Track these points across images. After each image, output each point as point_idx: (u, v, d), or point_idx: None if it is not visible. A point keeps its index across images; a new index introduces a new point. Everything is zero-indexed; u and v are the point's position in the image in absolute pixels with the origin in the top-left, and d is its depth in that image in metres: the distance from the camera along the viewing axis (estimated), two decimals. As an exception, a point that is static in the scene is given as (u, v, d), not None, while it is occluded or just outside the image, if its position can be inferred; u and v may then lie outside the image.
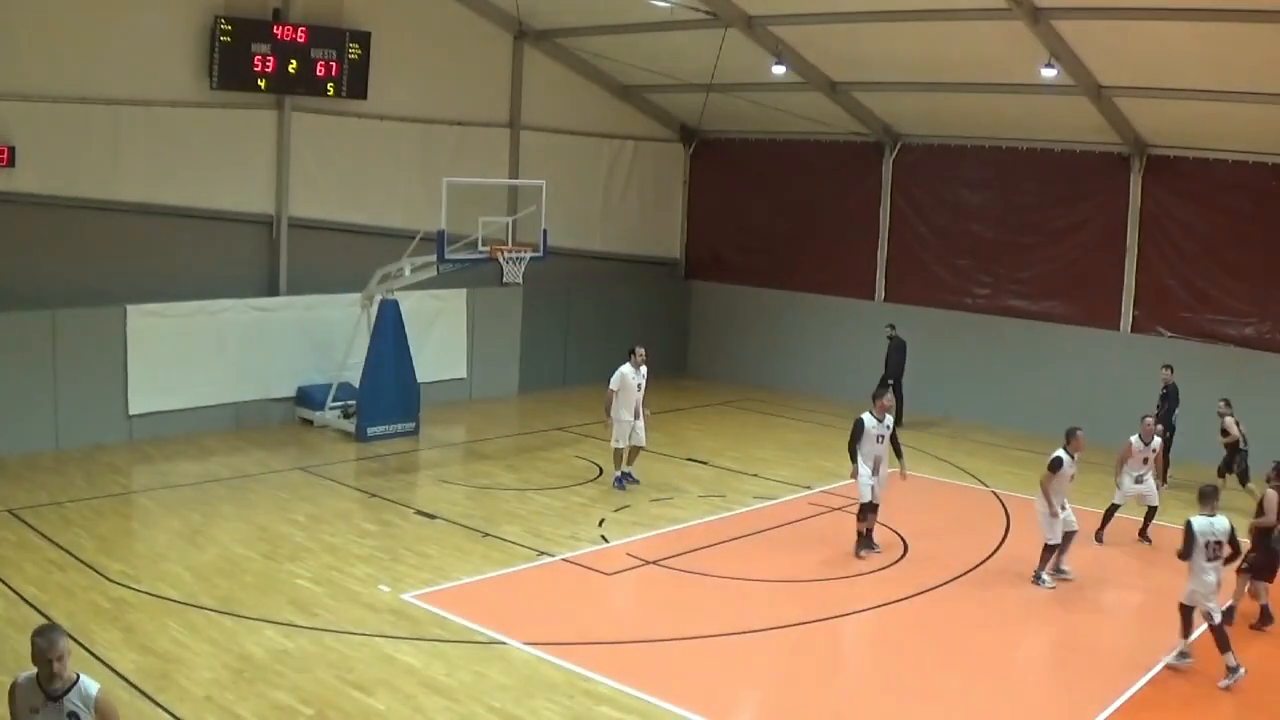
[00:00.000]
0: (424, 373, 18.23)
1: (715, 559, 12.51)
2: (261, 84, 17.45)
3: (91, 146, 16.26)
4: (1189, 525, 9.89)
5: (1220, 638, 9.73)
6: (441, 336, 20.11)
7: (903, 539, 13.45)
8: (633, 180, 23.75)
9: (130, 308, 16.39)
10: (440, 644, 9.84)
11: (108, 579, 10.98)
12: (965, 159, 20.78)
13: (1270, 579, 11.12)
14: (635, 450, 15.32)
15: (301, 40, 17.66)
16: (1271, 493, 11.16)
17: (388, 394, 17.33)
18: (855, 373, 20.13)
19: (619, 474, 15.18)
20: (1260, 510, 11.23)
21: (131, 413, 16.50)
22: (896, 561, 12.77)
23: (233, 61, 17.06)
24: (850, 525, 13.51)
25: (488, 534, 13.02)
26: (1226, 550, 9.90)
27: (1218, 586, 9.83)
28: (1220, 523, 9.88)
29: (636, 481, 15.30)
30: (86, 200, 16.30)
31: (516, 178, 21.00)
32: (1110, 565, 12.79)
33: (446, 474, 15.92)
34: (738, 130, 23.40)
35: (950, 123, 20.30)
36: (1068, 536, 12.15)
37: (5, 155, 15.32)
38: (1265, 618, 11.09)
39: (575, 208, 22.12)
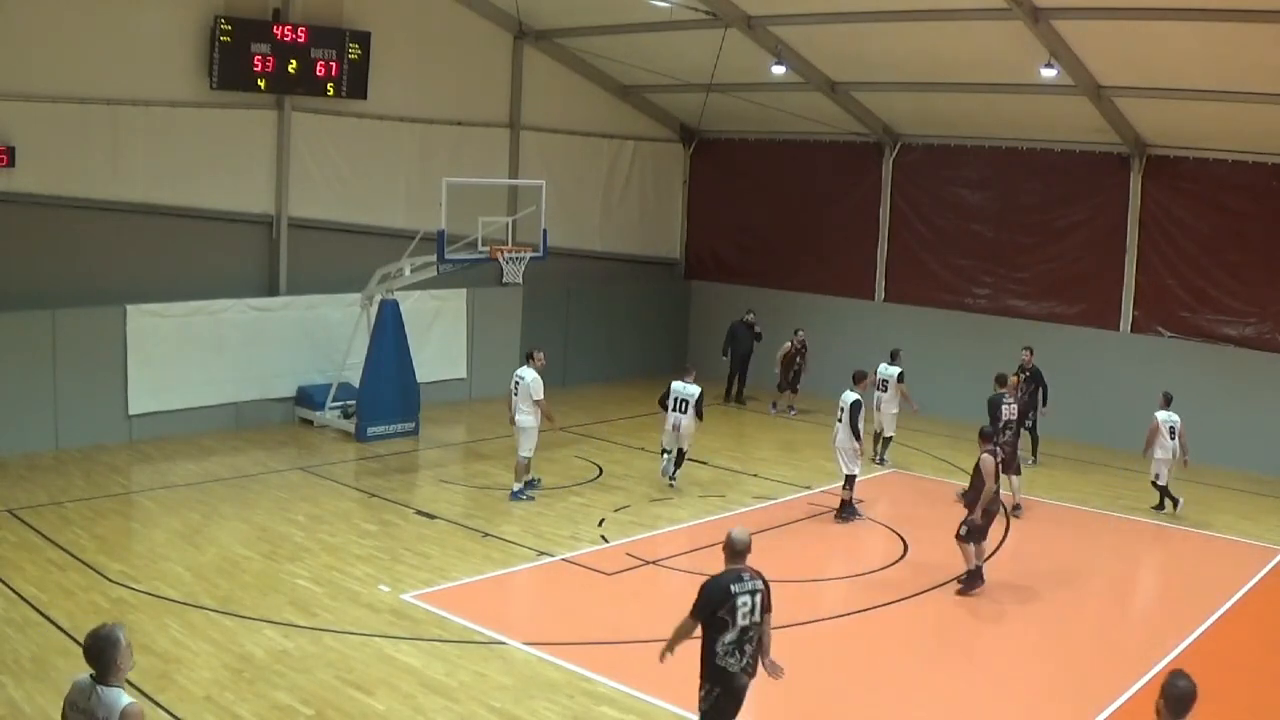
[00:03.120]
0: (424, 373, 18.25)
1: (715, 559, 12.41)
2: (261, 84, 17.46)
3: (91, 146, 16.25)
4: (668, 386, 14.76)
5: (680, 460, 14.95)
6: (441, 336, 20.11)
7: (903, 539, 13.47)
8: (633, 180, 23.75)
9: (130, 308, 16.39)
10: (440, 644, 9.83)
11: (107, 579, 10.98)
12: (965, 159, 20.78)
13: (984, 539, 11.87)
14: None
15: (301, 40, 17.66)
16: (987, 457, 11.74)
17: (388, 394, 17.33)
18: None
19: (532, 481, 14.80)
20: (976, 475, 11.75)
21: (131, 412, 16.51)
22: (896, 561, 12.79)
23: (233, 61, 17.06)
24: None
25: (488, 534, 13.02)
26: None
27: (674, 429, 14.72)
28: (691, 388, 14.60)
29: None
30: (86, 200, 16.30)
31: (516, 178, 21.00)
32: (1111, 566, 12.78)
33: (446, 474, 15.92)
34: (738, 130, 23.39)
35: (950, 123, 20.30)
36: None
37: (5, 155, 15.32)
38: (977, 577, 11.68)
39: (575, 208, 22.14)
